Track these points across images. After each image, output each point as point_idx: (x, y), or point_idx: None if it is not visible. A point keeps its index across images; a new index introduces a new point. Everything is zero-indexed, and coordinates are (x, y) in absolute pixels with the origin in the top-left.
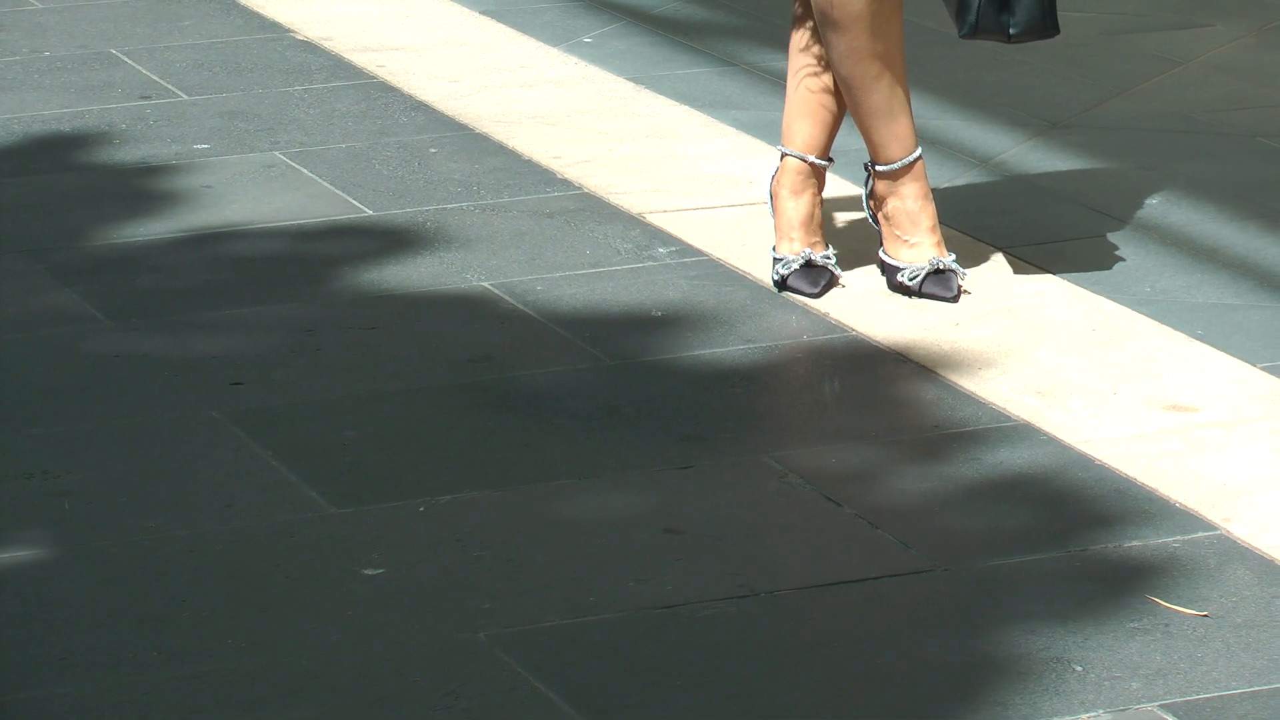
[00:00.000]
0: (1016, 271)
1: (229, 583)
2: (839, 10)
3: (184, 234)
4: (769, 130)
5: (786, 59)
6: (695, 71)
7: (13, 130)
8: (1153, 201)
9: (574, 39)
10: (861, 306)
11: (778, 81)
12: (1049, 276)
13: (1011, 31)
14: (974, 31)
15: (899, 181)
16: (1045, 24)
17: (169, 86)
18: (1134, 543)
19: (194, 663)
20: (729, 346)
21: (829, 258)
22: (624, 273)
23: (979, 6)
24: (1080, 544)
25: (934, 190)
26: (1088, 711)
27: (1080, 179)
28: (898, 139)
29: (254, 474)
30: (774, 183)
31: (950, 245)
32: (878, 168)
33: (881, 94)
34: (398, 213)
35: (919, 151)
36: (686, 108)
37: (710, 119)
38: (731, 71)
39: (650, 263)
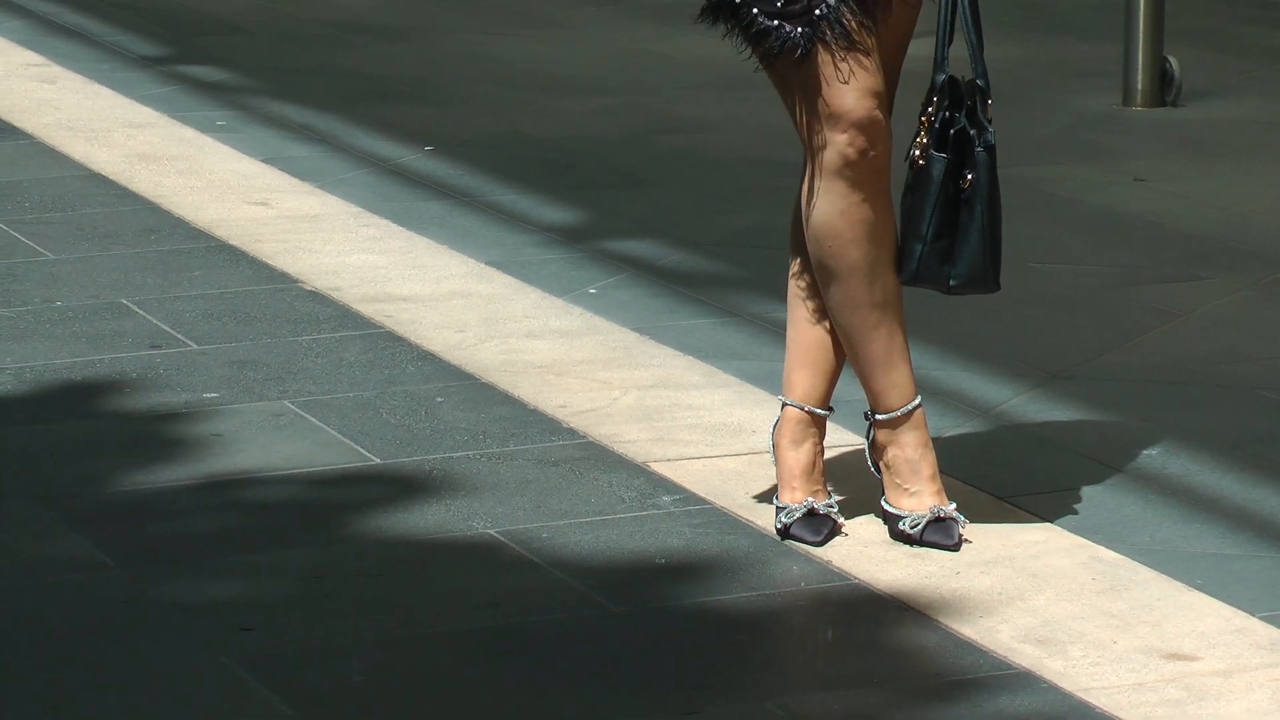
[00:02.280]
0: (1017, 520)
1: None
2: (835, 260)
3: (194, 481)
4: (772, 380)
5: (785, 309)
6: (699, 322)
7: (25, 379)
8: (1152, 452)
9: (579, 290)
10: (863, 554)
11: (780, 332)
12: (1049, 525)
13: (951, 283)
14: (914, 279)
15: (899, 430)
16: (986, 279)
17: (179, 336)
18: None
19: None
20: (733, 594)
21: (831, 506)
22: (628, 520)
23: (921, 254)
24: None
25: (935, 439)
26: None
27: (1080, 429)
28: (897, 387)
29: None
30: (775, 432)
31: (951, 494)
32: (877, 416)
33: (880, 343)
34: (405, 461)
35: (918, 400)
36: (690, 358)
37: (713, 369)
38: (735, 322)
39: (654, 511)
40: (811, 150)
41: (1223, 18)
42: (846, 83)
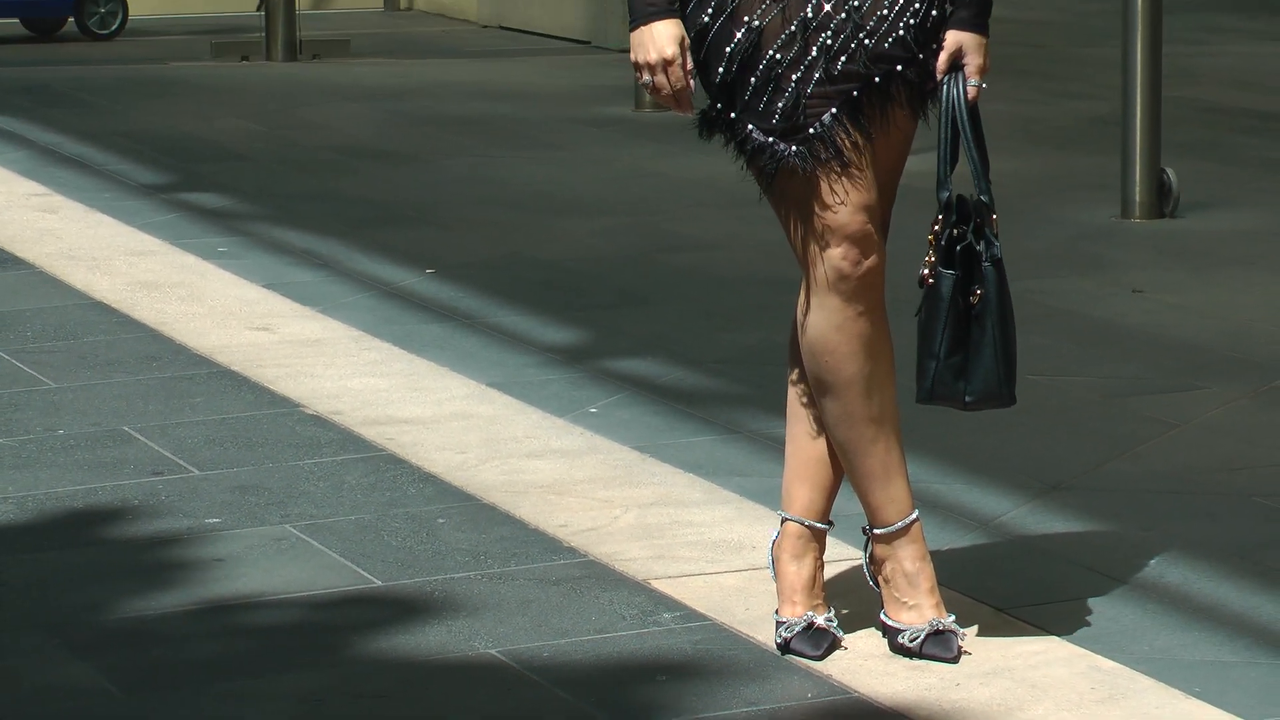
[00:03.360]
0: (1016, 632)
1: None
2: (831, 375)
3: (196, 606)
4: (772, 496)
5: (786, 426)
6: (699, 440)
7: (27, 507)
8: (1151, 561)
9: (580, 409)
10: (864, 668)
11: (780, 448)
12: (1048, 636)
13: (967, 399)
14: (929, 397)
15: (896, 544)
16: (1001, 394)
17: (180, 462)
18: None
19: None
20: (733, 709)
21: (831, 620)
22: (629, 638)
23: (935, 372)
24: None
25: (935, 552)
26: None
27: (1079, 540)
28: (894, 502)
29: None
30: (775, 547)
31: (950, 606)
32: (875, 531)
33: (877, 458)
34: (406, 583)
35: (916, 514)
36: (691, 475)
37: (714, 486)
38: (734, 439)
39: (655, 628)
40: (805, 265)
41: (1219, 130)
42: (840, 199)
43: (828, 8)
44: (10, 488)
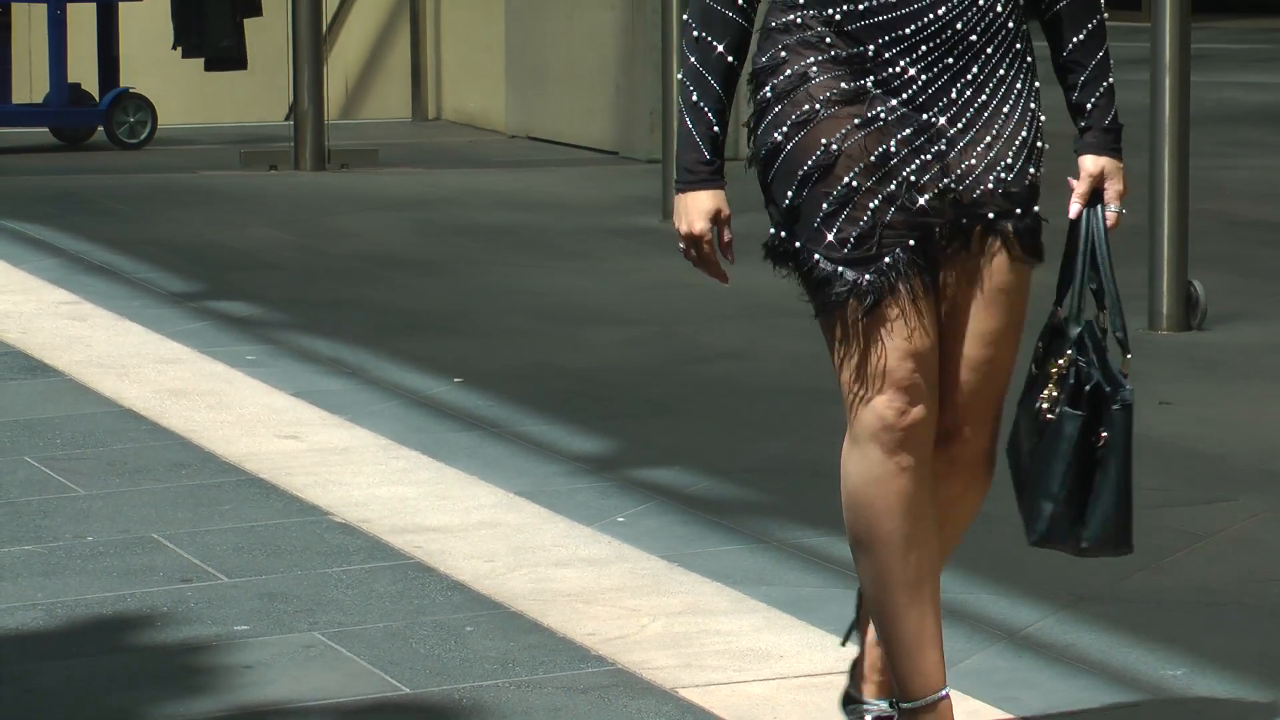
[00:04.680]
0: None
1: None
2: (867, 531)
3: (225, 713)
4: (800, 606)
5: (815, 535)
6: (727, 549)
7: (56, 615)
8: (1177, 674)
9: (608, 518)
10: None
11: (807, 558)
12: None
13: (1083, 545)
14: (1042, 540)
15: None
16: (1119, 540)
17: (209, 569)
18: None
19: None
20: None
21: None
22: None
23: (1052, 515)
24: None
25: (959, 664)
26: None
27: (1107, 651)
28: (922, 675)
29: None
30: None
31: (975, 718)
32: (902, 705)
33: (909, 627)
34: (435, 690)
35: (945, 691)
36: (718, 584)
37: (741, 595)
38: (762, 548)
39: None
40: (848, 407)
41: (1245, 243)
42: (894, 342)
43: (918, 142)
44: (40, 594)
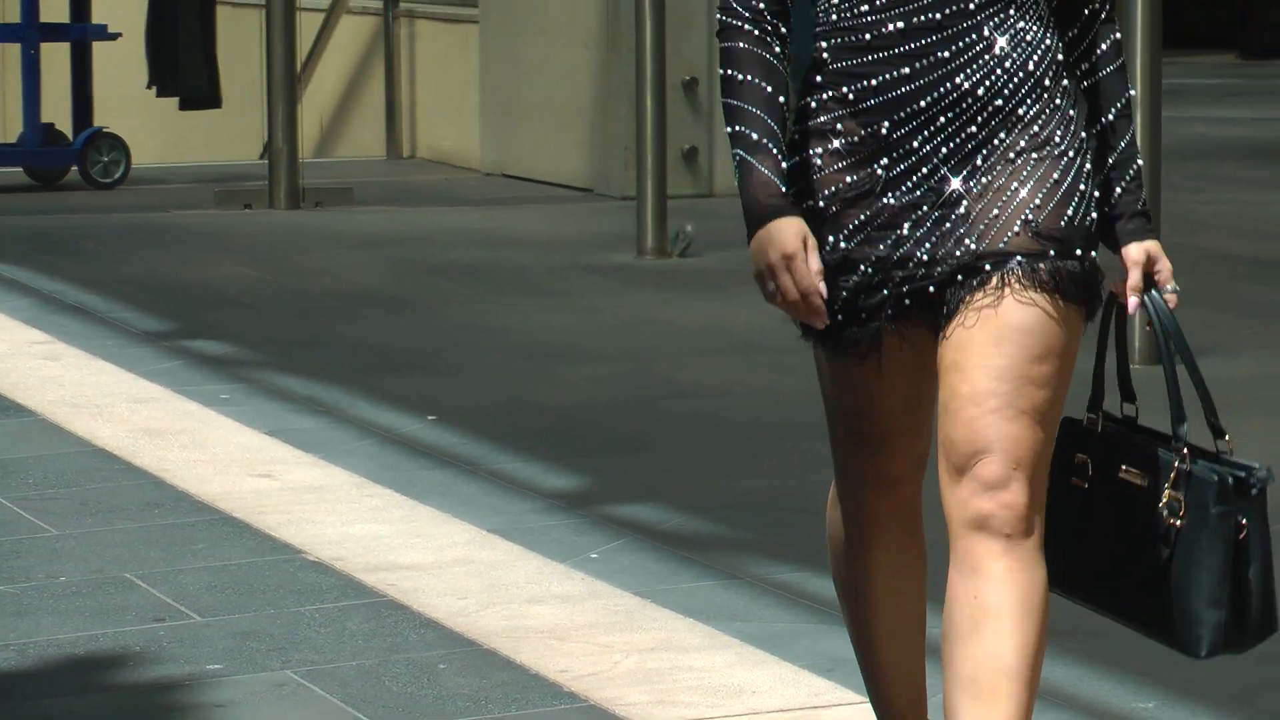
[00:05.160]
0: None
1: None
2: (847, 586)
3: None
4: (773, 641)
5: (788, 571)
6: (700, 585)
7: (29, 654)
8: (1149, 705)
9: (581, 555)
10: None
11: (781, 593)
12: None
13: (1248, 642)
14: (1215, 650)
15: None
16: (1276, 623)
17: (182, 609)
18: None
19: None
20: None
21: None
22: None
23: (1221, 622)
24: None
25: (930, 699)
26: None
27: (1078, 683)
28: None
29: None
30: None
31: None
32: None
33: (893, 677)
34: None
35: None
36: (692, 620)
37: (715, 631)
38: (735, 584)
39: None
40: (834, 457)
41: (1219, 276)
42: (878, 394)
43: (935, 215)
44: (12, 635)
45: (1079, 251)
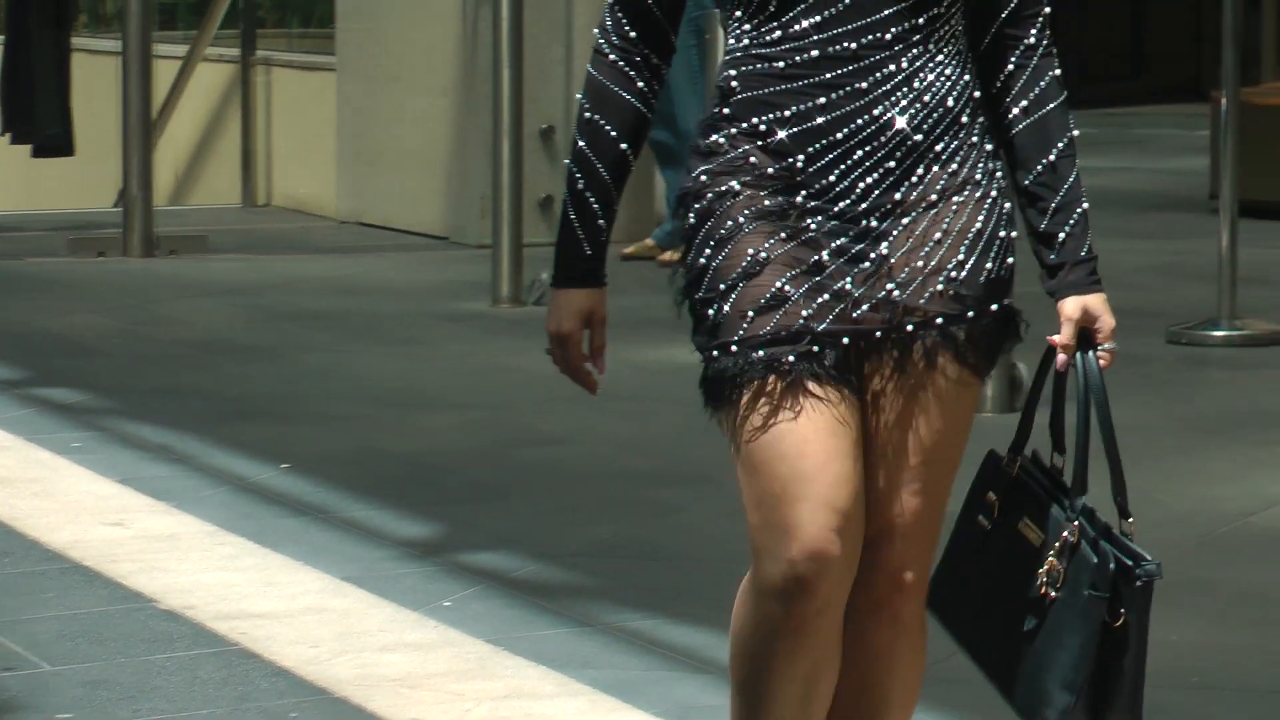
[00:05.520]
0: None
1: None
2: (753, 688)
3: None
4: (625, 689)
5: (640, 619)
6: (553, 633)
7: None
8: None
9: (434, 603)
10: None
11: (632, 641)
12: None
13: None
14: None
15: None
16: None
17: (31, 658)
18: None
19: None
20: None
21: None
22: None
23: (1070, 706)
24: None
25: None
26: None
27: None
28: None
29: None
30: None
31: None
32: None
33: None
34: None
35: None
36: (544, 668)
37: (566, 678)
38: (589, 632)
39: None
40: (751, 541)
41: None
42: (808, 477)
43: (855, 250)
44: None
45: (995, 307)
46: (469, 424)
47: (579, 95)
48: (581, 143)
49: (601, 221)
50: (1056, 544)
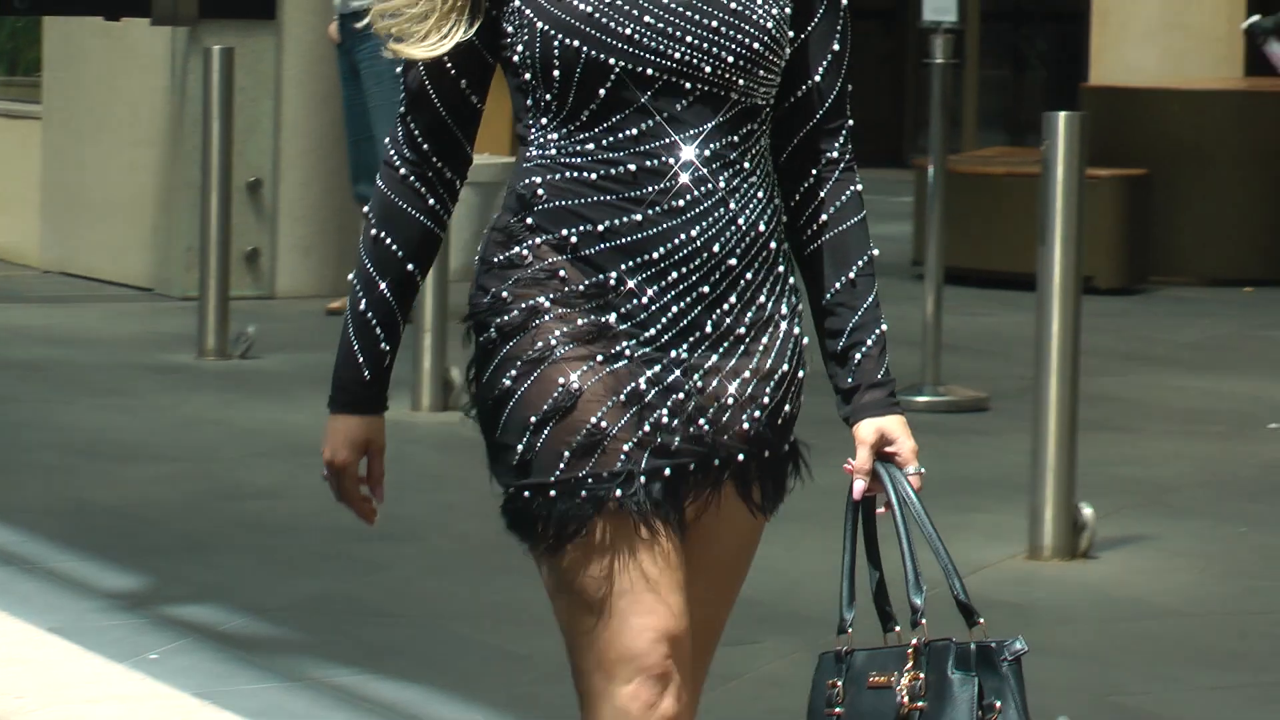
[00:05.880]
0: None
1: None
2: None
3: None
4: None
5: (348, 673)
6: (261, 686)
7: None
8: None
9: (140, 655)
10: None
11: (340, 695)
12: None
13: None
14: None
15: None
16: None
17: None
18: None
19: None
20: None
21: None
22: None
23: None
24: None
25: None
26: None
27: None
28: None
29: None
30: None
31: None
32: None
33: None
34: None
35: None
36: None
37: None
38: (296, 687)
39: None
40: (581, 692)
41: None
42: (643, 615)
43: (669, 379)
44: None
45: (787, 445)
46: (175, 476)
47: (365, 209)
48: (366, 260)
49: (385, 345)
50: (909, 655)
